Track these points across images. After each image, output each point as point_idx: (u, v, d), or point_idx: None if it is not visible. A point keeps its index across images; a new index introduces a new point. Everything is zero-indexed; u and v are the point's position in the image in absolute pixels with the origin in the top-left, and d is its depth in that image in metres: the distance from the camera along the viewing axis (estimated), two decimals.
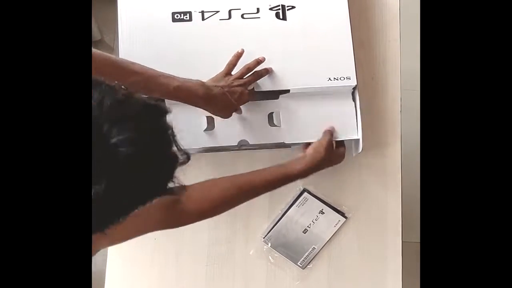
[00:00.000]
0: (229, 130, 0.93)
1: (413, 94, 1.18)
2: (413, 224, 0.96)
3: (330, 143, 0.92)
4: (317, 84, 0.93)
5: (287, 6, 0.96)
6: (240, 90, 0.88)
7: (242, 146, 0.97)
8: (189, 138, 0.88)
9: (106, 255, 0.98)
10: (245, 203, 0.99)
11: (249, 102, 0.92)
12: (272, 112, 0.94)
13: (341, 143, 0.95)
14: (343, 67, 0.93)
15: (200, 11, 0.95)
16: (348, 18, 0.96)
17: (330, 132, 0.93)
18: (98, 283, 0.99)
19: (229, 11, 0.95)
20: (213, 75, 0.90)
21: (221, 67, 0.90)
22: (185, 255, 0.98)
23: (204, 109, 0.88)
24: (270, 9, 0.96)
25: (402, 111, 1.03)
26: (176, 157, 0.58)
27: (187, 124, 0.92)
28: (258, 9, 0.96)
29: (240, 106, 0.92)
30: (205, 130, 0.92)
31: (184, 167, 0.60)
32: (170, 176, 0.58)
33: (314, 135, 0.93)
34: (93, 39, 0.98)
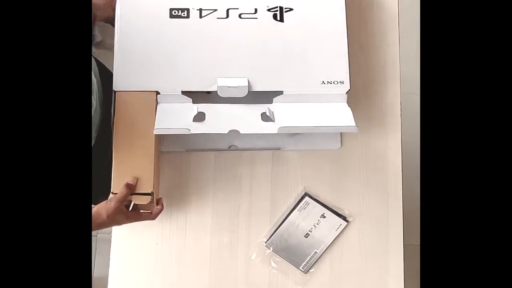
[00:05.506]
0: (220, 120, 0.92)
1: (412, 98, 1.19)
2: (414, 227, 0.96)
3: (119, 202, 0.86)
4: (310, 88, 0.93)
5: (285, 8, 0.97)
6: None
7: (232, 146, 1.00)
8: (179, 123, 0.89)
9: (109, 260, 0.98)
10: (247, 207, 1.00)
11: (243, 103, 0.92)
12: (265, 112, 0.93)
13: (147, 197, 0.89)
14: (337, 71, 0.93)
15: (198, 8, 0.95)
16: (345, 23, 0.96)
17: (129, 187, 0.86)
18: None
19: (227, 10, 0.96)
20: (207, 72, 0.91)
21: (216, 65, 0.91)
22: (187, 260, 0.99)
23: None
24: (268, 10, 0.96)
25: (402, 114, 1.03)
26: None
27: (177, 111, 0.91)
28: (256, 10, 0.96)
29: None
30: (194, 120, 0.91)
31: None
32: None
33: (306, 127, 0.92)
34: (94, 40, 0.99)
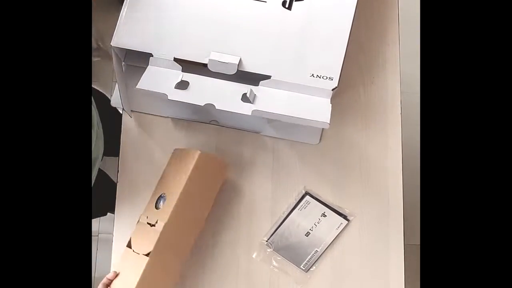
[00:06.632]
0: (201, 92, 0.93)
1: (413, 97, 1.19)
2: (414, 227, 0.96)
3: None
4: (298, 77, 0.92)
5: None
6: None
7: (213, 121, 1.03)
8: (160, 87, 0.90)
9: (110, 260, 0.98)
10: (248, 207, 1.00)
11: (228, 81, 0.93)
12: (246, 93, 0.93)
13: None
14: (329, 67, 0.92)
15: None
16: (351, 22, 0.95)
17: (104, 286, 0.87)
18: None
19: None
20: (203, 44, 0.91)
21: (213, 40, 0.92)
22: (188, 259, 0.99)
23: None
24: None
25: (402, 113, 1.04)
26: None
27: (164, 76, 0.93)
28: None
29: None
30: (176, 87, 0.92)
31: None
32: None
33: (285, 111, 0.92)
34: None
